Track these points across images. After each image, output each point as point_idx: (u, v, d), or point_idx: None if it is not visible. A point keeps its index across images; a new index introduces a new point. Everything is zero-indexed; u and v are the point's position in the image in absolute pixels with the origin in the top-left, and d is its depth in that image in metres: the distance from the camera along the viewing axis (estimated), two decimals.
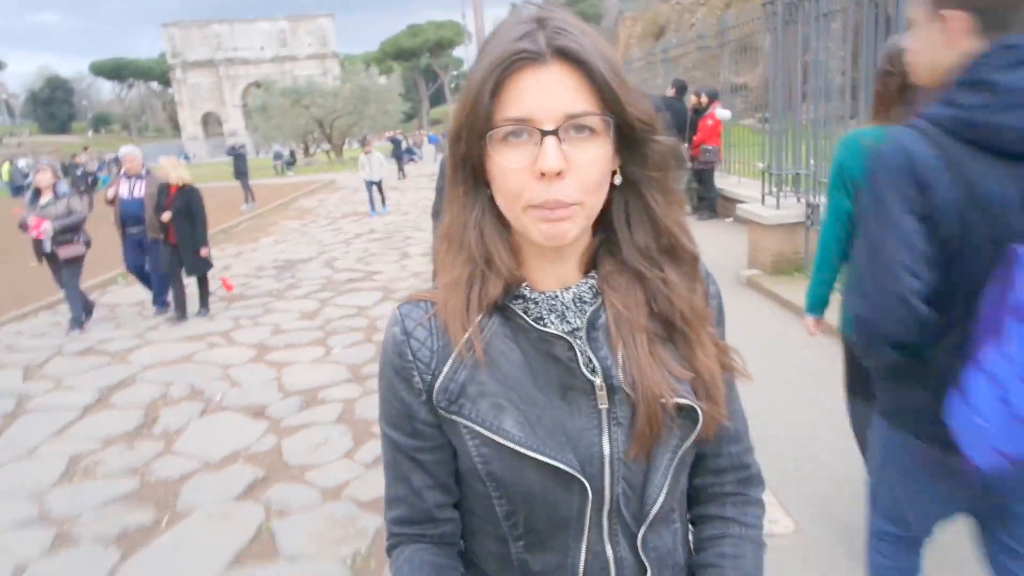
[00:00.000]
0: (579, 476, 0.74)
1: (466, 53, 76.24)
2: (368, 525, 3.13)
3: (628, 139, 0.72)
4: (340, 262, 9.84)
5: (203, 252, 6.94)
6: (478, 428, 0.76)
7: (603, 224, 0.78)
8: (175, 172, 6.81)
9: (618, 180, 0.75)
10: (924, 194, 1.26)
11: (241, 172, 16.72)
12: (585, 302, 0.78)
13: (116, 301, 8.36)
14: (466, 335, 0.76)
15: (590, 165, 0.69)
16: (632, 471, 0.78)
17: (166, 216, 6.74)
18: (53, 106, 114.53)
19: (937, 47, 1.34)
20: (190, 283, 7.23)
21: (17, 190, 25.97)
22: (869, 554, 1.78)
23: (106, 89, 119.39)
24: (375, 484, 3.47)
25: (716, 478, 0.91)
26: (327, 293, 7.97)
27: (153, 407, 4.81)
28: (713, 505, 0.92)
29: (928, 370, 1.37)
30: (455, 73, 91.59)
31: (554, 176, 0.66)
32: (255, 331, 6.58)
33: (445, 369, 0.77)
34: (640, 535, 0.80)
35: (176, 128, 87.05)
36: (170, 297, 7.27)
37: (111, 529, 3.27)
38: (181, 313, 7.08)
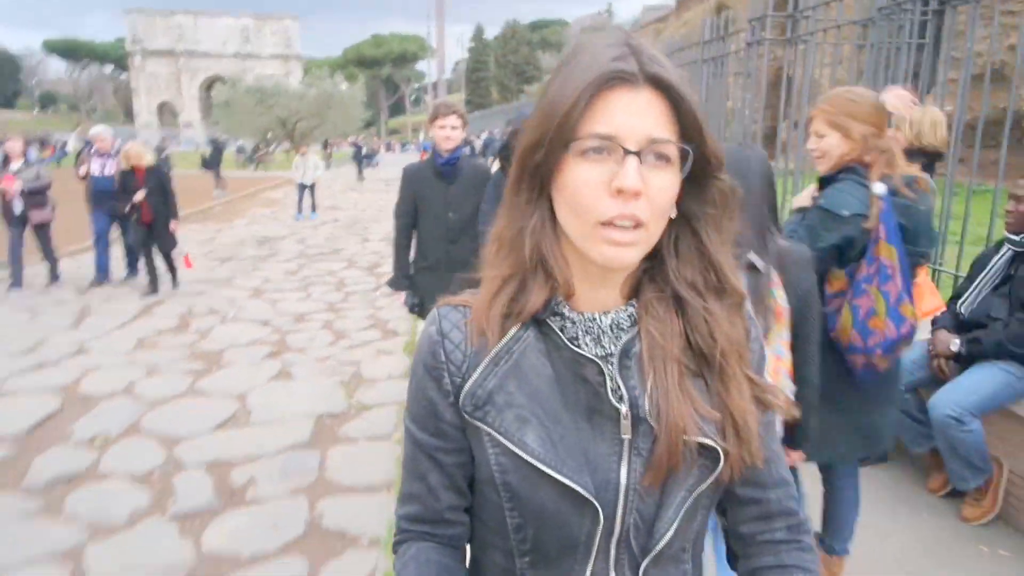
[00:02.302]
0: (593, 501, 0.74)
1: (428, 67, 78.89)
2: (349, 370, 5.18)
3: (694, 174, 0.73)
4: (310, 240, 11.81)
5: (173, 226, 7.57)
6: (500, 438, 0.76)
7: (648, 253, 0.75)
8: (144, 155, 7.43)
9: (673, 213, 0.74)
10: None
11: (216, 162, 18.45)
12: (622, 329, 0.78)
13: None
14: (501, 342, 0.78)
15: (663, 191, 0.70)
16: (646, 503, 0.77)
17: (139, 196, 7.24)
18: None
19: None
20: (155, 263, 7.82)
21: None
22: None
23: (54, 68, 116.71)
24: (353, 356, 5.53)
25: (765, 524, 0.87)
26: (303, 260, 9.95)
27: (185, 317, 6.74)
28: (768, 555, 0.87)
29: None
30: (416, 86, 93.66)
31: (631, 195, 0.67)
32: (249, 280, 8.53)
33: (475, 374, 0.78)
34: (643, 568, 0.79)
35: (128, 114, 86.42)
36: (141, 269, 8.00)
37: (182, 368, 5.23)
38: (154, 288, 7.58)
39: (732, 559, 0.91)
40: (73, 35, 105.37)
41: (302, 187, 14.86)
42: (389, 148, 56.46)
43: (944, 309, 3.00)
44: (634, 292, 0.80)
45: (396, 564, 0.86)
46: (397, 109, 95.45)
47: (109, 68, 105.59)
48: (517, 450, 0.75)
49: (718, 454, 0.76)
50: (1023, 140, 8.08)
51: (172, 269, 7.87)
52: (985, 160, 3.89)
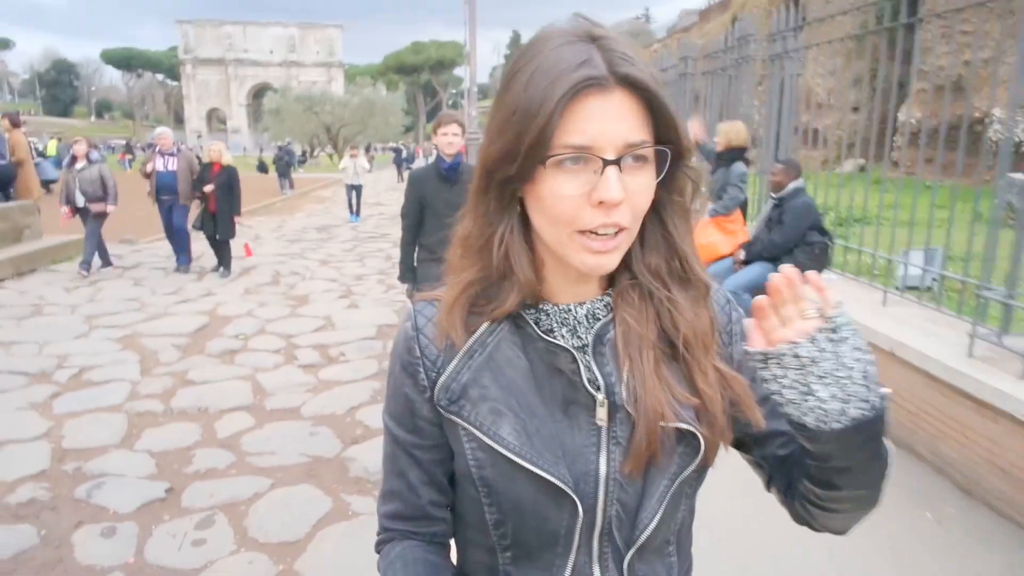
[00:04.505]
0: (570, 493, 0.73)
1: (465, 73, 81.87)
2: (399, 304, 7.41)
3: (666, 164, 0.71)
4: (361, 228, 14.19)
5: (236, 219, 8.74)
6: (475, 431, 0.76)
7: None
8: (222, 154, 8.71)
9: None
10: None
11: (289, 165, 21.48)
12: (598, 318, 0.78)
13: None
14: (475, 335, 0.78)
15: (642, 193, 0.69)
16: (628, 493, 0.76)
17: (208, 188, 8.47)
18: (58, 88, 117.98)
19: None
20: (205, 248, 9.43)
21: (59, 165, 29.95)
22: None
23: (108, 76, 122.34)
24: (402, 298, 7.75)
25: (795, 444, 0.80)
26: (356, 242, 12.29)
27: (275, 275, 9.07)
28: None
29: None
30: (453, 91, 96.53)
31: (613, 206, 0.66)
32: (316, 254, 10.89)
33: (449, 368, 0.78)
34: (627, 560, 0.78)
35: (178, 120, 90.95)
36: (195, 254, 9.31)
37: (282, 303, 7.51)
38: (227, 269, 8.90)
39: (767, 484, 0.88)
40: (125, 44, 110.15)
41: (350, 188, 15.37)
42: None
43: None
44: (610, 281, 0.79)
45: (381, 564, 0.85)
46: (435, 114, 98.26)
47: (160, 76, 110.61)
48: (492, 443, 0.75)
49: (698, 440, 0.75)
50: (976, 143, 9.34)
51: (227, 256, 8.95)
52: (946, 160, 4.36)
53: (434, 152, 4.30)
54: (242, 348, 5.88)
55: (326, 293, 8.05)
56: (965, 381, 3.02)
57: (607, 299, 0.79)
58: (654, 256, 0.77)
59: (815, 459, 0.73)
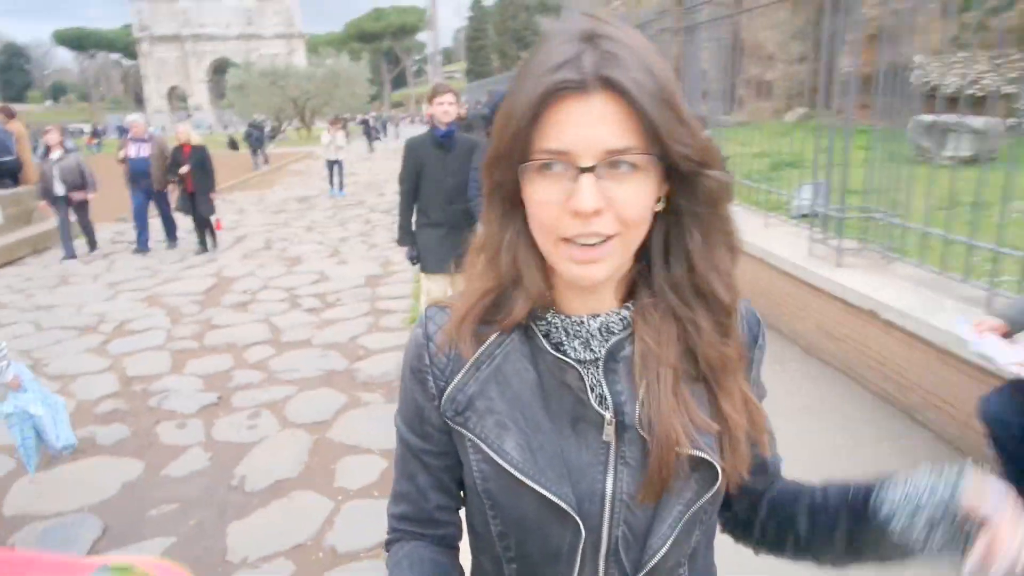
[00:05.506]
0: (572, 513, 0.72)
1: (428, 39, 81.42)
2: (383, 258, 8.42)
3: (676, 172, 0.67)
4: (339, 198, 15.05)
5: (212, 196, 9.22)
6: (480, 444, 0.75)
7: (645, 252, 0.72)
8: (192, 136, 9.07)
9: (660, 206, 0.69)
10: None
11: (260, 140, 22.04)
12: (613, 332, 0.74)
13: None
14: (481, 347, 0.76)
15: (630, 201, 0.65)
16: (636, 516, 0.74)
17: (184, 169, 8.84)
18: (10, 73, 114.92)
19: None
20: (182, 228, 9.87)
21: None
22: None
23: (61, 57, 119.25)
24: (384, 254, 8.77)
25: (752, 509, 0.90)
26: (336, 209, 13.23)
27: (267, 242, 10.05)
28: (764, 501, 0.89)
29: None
30: (417, 57, 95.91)
31: (589, 215, 0.64)
32: (301, 221, 11.85)
33: (456, 379, 0.77)
34: None
35: (138, 101, 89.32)
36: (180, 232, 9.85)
37: (278, 264, 8.50)
38: (204, 247, 9.37)
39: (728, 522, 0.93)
40: (75, 24, 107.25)
41: (329, 163, 15.21)
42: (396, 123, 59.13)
43: None
44: (629, 294, 0.76)
45: (389, 562, 0.86)
46: (399, 82, 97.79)
47: (116, 56, 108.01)
48: (496, 457, 0.74)
49: (715, 468, 0.73)
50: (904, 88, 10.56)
51: (211, 232, 9.49)
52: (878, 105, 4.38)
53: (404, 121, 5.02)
54: (252, 300, 6.91)
55: (316, 254, 9.05)
56: (804, 273, 4.16)
57: (624, 313, 0.75)
58: (677, 270, 0.73)
59: (873, 540, 0.75)
